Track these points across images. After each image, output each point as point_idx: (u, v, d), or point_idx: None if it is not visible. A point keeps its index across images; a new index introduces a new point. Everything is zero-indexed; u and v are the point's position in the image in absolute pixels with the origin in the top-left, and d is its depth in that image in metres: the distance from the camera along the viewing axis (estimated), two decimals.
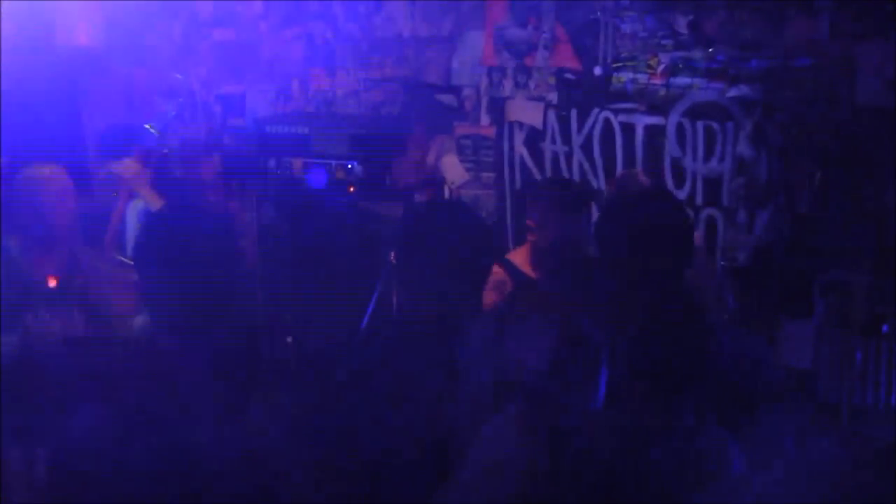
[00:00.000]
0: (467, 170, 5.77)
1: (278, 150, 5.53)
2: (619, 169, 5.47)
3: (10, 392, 2.52)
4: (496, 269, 4.05)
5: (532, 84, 5.65)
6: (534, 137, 5.71)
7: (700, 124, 5.33)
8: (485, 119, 5.81)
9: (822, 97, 5.06)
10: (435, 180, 5.80)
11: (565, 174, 5.64)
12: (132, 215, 5.00)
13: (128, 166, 5.01)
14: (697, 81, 5.31)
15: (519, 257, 4.46)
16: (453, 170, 5.65)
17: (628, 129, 5.48)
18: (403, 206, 4.96)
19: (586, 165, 5.60)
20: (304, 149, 5.57)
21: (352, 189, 5.51)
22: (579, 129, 5.59)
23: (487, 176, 5.88)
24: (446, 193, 5.62)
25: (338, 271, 5.45)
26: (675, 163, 5.39)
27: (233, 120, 6.39)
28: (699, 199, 5.38)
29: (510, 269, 4.32)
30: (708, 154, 5.33)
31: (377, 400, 2.80)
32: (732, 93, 5.24)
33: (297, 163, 5.58)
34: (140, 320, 3.66)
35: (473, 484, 1.91)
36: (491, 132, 5.81)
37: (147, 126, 5.32)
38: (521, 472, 1.87)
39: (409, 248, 3.06)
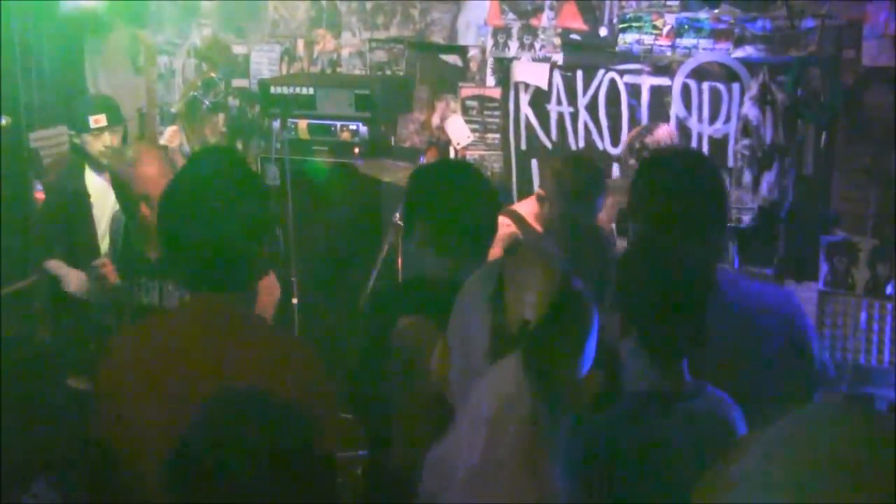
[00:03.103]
0: (472, 131, 5.72)
1: (283, 111, 5.50)
2: (626, 129, 5.46)
3: None
4: (504, 219, 4.14)
5: (538, 45, 5.62)
6: (539, 98, 5.68)
7: (706, 85, 5.31)
8: (490, 80, 5.79)
9: (827, 58, 5.03)
10: (440, 141, 5.81)
11: (570, 135, 5.64)
12: None
13: (173, 135, 4.94)
14: (703, 42, 5.28)
15: (525, 208, 4.44)
16: (458, 131, 5.57)
17: (634, 90, 5.46)
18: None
19: (591, 126, 5.59)
20: (309, 110, 5.57)
21: (357, 150, 5.55)
22: (585, 90, 5.57)
23: (493, 137, 5.86)
24: (451, 154, 5.59)
25: (343, 233, 5.53)
26: (681, 123, 5.37)
27: (237, 80, 6.35)
28: None
29: (518, 220, 4.34)
30: (714, 115, 5.32)
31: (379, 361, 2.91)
32: (738, 54, 5.21)
33: (302, 124, 5.59)
34: None
35: (469, 436, 1.91)
36: (496, 93, 5.78)
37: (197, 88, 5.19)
38: (517, 425, 1.87)
39: (414, 208, 3.08)
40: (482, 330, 1.98)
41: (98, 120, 4.99)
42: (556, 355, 1.94)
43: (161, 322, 2.59)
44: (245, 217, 2.42)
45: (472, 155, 5.74)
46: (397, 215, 4.95)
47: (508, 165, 5.83)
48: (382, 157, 5.51)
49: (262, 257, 2.51)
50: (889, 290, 5.01)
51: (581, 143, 5.64)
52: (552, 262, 2.00)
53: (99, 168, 5.02)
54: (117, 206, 4.29)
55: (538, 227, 4.31)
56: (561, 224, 4.01)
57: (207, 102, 5.07)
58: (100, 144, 5.00)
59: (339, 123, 5.57)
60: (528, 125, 5.74)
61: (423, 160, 5.51)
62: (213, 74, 5.29)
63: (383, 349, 2.83)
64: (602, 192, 4.19)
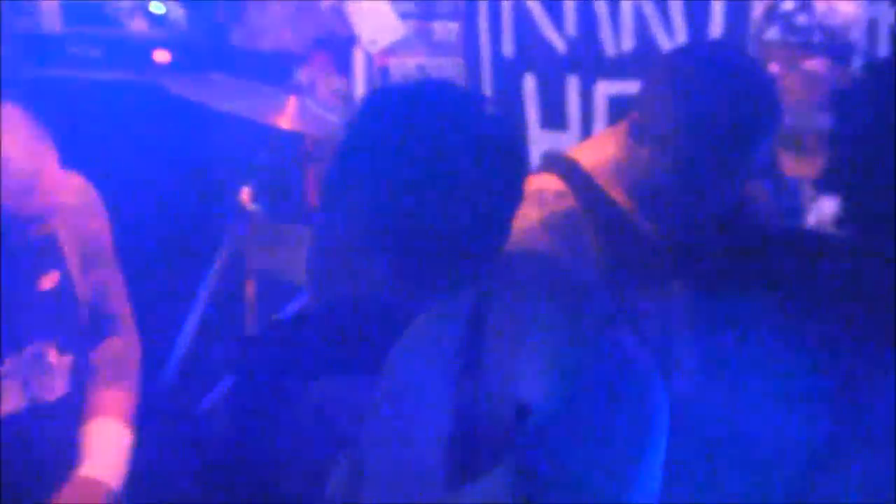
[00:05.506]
0: (405, 19, 3.79)
1: None
2: None
3: None
4: (551, 181, 2.66)
5: None
6: None
7: None
8: None
9: None
10: (334, 39, 3.87)
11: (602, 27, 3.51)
12: None
13: None
14: None
15: (593, 156, 2.70)
16: (376, 19, 3.67)
17: None
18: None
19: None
20: None
21: (163, 56, 4.04)
22: None
23: (444, 30, 3.88)
24: (360, 64, 3.69)
25: (141, 214, 4.05)
26: None
27: None
28: None
29: (580, 181, 2.64)
30: None
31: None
32: None
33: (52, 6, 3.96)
34: None
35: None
36: None
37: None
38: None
39: (348, 174, 1.95)
40: (438, 422, 1.49)
41: None
42: (577, 478, 1.40)
43: None
44: None
45: (401, 66, 3.73)
46: (245, 190, 3.47)
47: (476, 86, 3.70)
48: (214, 69, 3.73)
49: None
50: None
51: (632, 42, 3.43)
52: (579, 293, 1.46)
53: None
54: None
55: (620, 196, 2.61)
56: (684, 196, 2.51)
57: None
58: None
59: (126, 4, 4.13)
60: (518, 7, 3.55)
61: (302, 76, 3.74)
62: None
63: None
64: (773, 136, 2.61)
